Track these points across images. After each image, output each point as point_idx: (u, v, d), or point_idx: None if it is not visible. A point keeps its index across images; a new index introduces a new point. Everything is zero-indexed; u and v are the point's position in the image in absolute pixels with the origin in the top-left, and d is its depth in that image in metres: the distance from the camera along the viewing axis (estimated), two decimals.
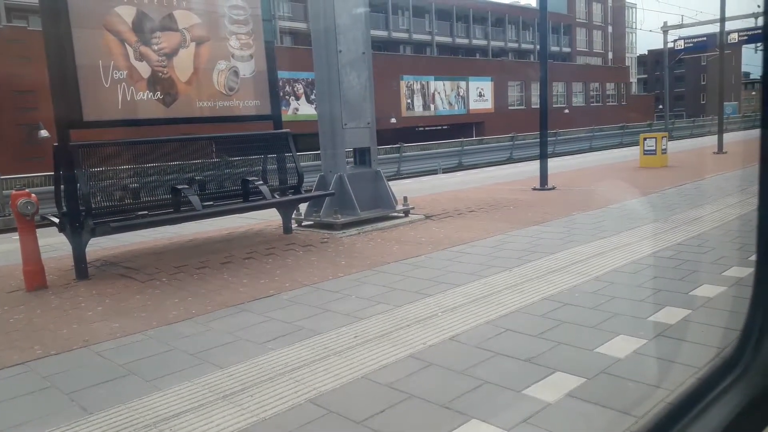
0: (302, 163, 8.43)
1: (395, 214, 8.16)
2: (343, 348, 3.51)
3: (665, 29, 28.63)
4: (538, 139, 11.79)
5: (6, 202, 12.99)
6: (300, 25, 38.90)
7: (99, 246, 6.78)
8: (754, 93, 79.56)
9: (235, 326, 4.07)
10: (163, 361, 3.52)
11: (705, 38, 28.90)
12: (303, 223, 7.95)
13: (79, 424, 2.74)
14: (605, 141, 34.02)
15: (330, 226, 7.49)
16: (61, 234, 5.89)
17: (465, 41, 51.10)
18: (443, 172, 21.12)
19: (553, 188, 10.83)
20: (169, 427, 2.65)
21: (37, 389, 3.21)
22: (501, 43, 54.15)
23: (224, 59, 6.63)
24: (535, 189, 10.89)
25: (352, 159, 8.50)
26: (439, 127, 39.52)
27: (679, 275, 4.71)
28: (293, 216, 7.72)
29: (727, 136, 19.54)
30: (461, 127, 39.11)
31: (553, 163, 14.29)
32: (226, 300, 4.71)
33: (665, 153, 14.27)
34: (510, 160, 25.70)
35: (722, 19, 19.19)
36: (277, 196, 7.07)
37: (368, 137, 8.18)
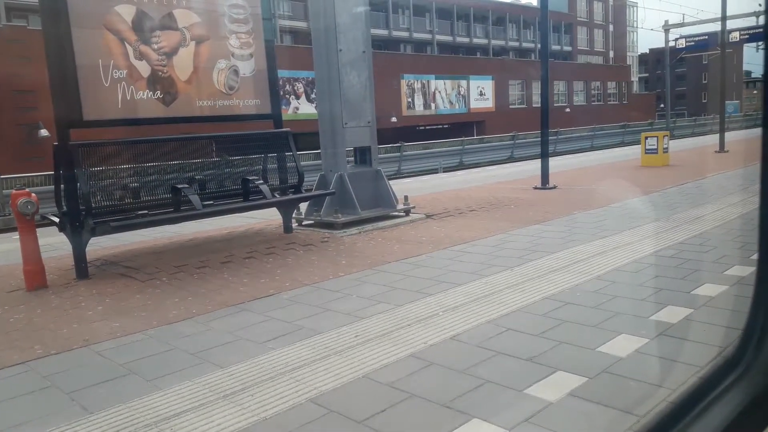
0: (302, 163, 8.42)
1: (396, 213, 8.15)
2: (344, 347, 3.51)
3: (666, 28, 28.64)
4: (539, 138, 11.78)
5: (6, 201, 12.99)
6: (300, 24, 38.91)
7: (99, 245, 6.78)
8: (755, 92, 79.41)
9: (236, 326, 4.07)
10: (163, 360, 3.51)
11: (706, 37, 28.92)
12: (303, 223, 7.94)
13: (80, 423, 2.74)
14: (606, 140, 33.98)
15: (330, 226, 7.48)
16: (62, 233, 5.89)
17: (466, 40, 51.08)
18: (444, 171, 21.10)
19: (554, 187, 10.82)
20: (169, 427, 2.64)
21: (38, 389, 3.21)
22: (502, 42, 54.13)
23: (224, 58, 6.62)
24: (536, 188, 10.88)
25: (352, 158, 8.49)
26: (440, 126, 39.51)
27: (681, 274, 4.70)
28: (294, 215, 7.72)
29: (729, 135, 19.51)
30: (462, 126, 39.11)
31: (554, 162, 14.28)
32: (226, 299, 4.70)
33: (667, 152, 14.25)
34: (511, 159, 25.68)
35: (723, 18, 19.18)
36: (278, 196, 7.06)
37: (369, 136, 8.17)
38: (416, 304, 4.29)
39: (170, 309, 4.52)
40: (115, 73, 5.80)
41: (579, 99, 51.43)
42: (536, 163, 12.02)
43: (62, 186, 5.73)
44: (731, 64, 65.83)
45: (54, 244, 7.07)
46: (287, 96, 29.51)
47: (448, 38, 49.50)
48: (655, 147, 14.10)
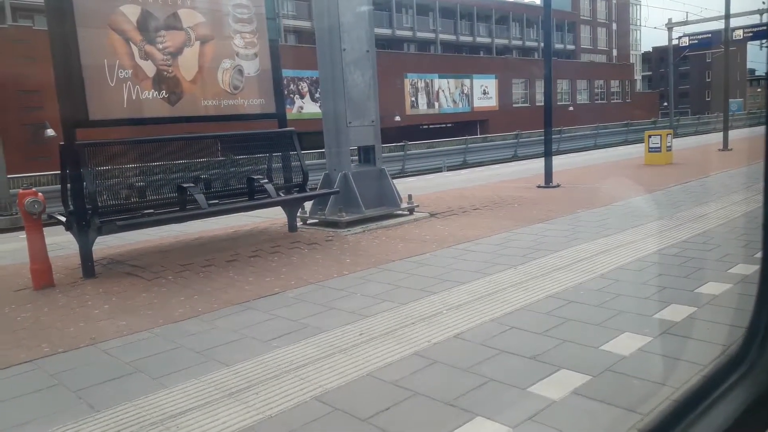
0: (307, 162, 8.43)
1: (400, 212, 8.16)
2: (349, 345, 3.52)
3: (670, 26, 28.54)
4: (543, 137, 11.77)
5: (13, 200, 13.04)
6: (304, 24, 38.88)
7: (105, 244, 6.81)
8: (759, 90, 79.08)
9: (241, 324, 4.09)
10: (169, 358, 3.53)
11: (710, 35, 28.81)
12: (308, 222, 7.96)
13: (86, 421, 2.76)
14: (610, 138, 33.90)
15: (335, 224, 7.50)
16: (68, 232, 5.92)
17: (469, 39, 51.00)
18: (448, 170, 21.09)
19: (558, 186, 10.81)
20: (175, 425, 2.66)
21: (45, 387, 3.24)
22: (505, 41, 54.01)
23: (229, 58, 6.64)
24: (539, 186, 10.87)
25: (356, 157, 8.51)
26: (444, 125, 39.46)
27: (685, 273, 4.70)
28: (298, 214, 7.74)
29: (732, 133, 19.46)
30: (465, 125, 39.03)
31: (557, 160, 14.25)
32: (231, 298, 4.73)
33: (670, 150, 14.23)
34: (514, 158, 25.64)
35: (727, 16, 19.12)
36: (282, 195, 7.08)
37: (372, 135, 8.19)
38: (420, 302, 4.31)
39: (176, 307, 4.55)
40: (121, 72, 5.83)
41: (582, 97, 51.30)
42: (540, 162, 12.01)
43: (69, 185, 5.77)
44: (735, 62, 65.49)
45: (61, 243, 7.10)
46: (291, 95, 29.52)
47: (452, 37, 49.43)
48: (658, 145, 14.07)
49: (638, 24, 73.81)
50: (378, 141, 8.29)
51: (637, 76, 72.56)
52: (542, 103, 12.07)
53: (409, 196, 8.33)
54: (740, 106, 60.78)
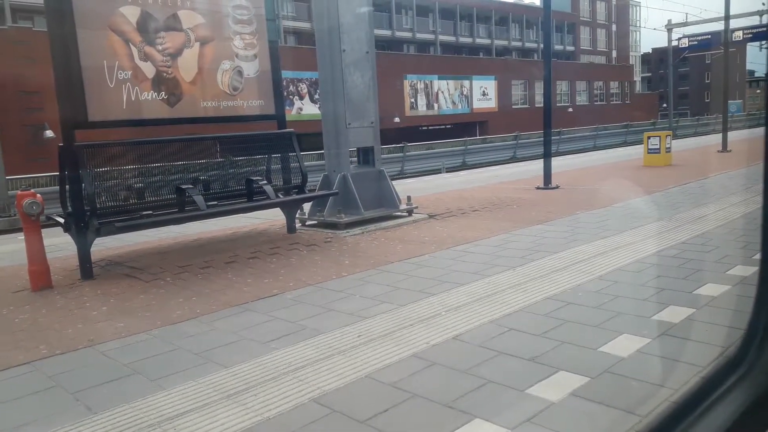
0: (306, 163, 8.44)
1: (399, 213, 8.16)
2: (347, 347, 3.52)
3: (669, 27, 28.56)
4: (542, 138, 11.78)
5: (12, 202, 13.03)
6: (304, 25, 38.90)
7: (104, 246, 6.80)
8: (758, 91, 79.16)
9: (239, 326, 4.08)
10: (167, 360, 3.53)
11: (709, 36, 28.83)
12: (307, 223, 7.96)
13: (84, 423, 2.76)
14: (609, 140, 33.96)
15: (334, 226, 7.50)
16: (66, 234, 5.91)
17: (468, 40, 51.04)
18: (447, 172, 21.11)
19: (557, 187, 10.81)
20: (173, 427, 2.66)
21: (43, 389, 3.23)
22: (504, 42, 54.07)
23: (228, 59, 6.64)
24: (538, 188, 10.88)
25: (355, 158, 8.50)
26: (443, 127, 39.50)
27: (683, 274, 4.69)
28: (297, 215, 7.74)
29: (732, 135, 19.48)
30: (465, 127, 39.09)
31: (556, 162, 14.25)
32: (230, 299, 4.72)
33: (669, 151, 14.24)
34: (514, 159, 25.68)
35: (727, 17, 19.14)
36: (281, 196, 7.08)
37: (372, 137, 8.19)
38: (419, 304, 4.30)
39: (174, 309, 4.54)
40: (120, 74, 5.83)
41: (582, 99, 51.37)
42: (539, 163, 12.02)
43: (67, 187, 5.76)
44: (734, 63, 65.63)
45: (59, 244, 7.09)
46: (291, 97, 29.54)
47: (451, 38, 49.47)
48: (657, 147, 14.08)
49: (638, 25, 73.93)
50: (377, 142, 8.29)
51: (637, 78, 72.67)
52: (541, 105, 12.09)
53: (408, 198, 8.33)
54: (740, 108, 60.82)
